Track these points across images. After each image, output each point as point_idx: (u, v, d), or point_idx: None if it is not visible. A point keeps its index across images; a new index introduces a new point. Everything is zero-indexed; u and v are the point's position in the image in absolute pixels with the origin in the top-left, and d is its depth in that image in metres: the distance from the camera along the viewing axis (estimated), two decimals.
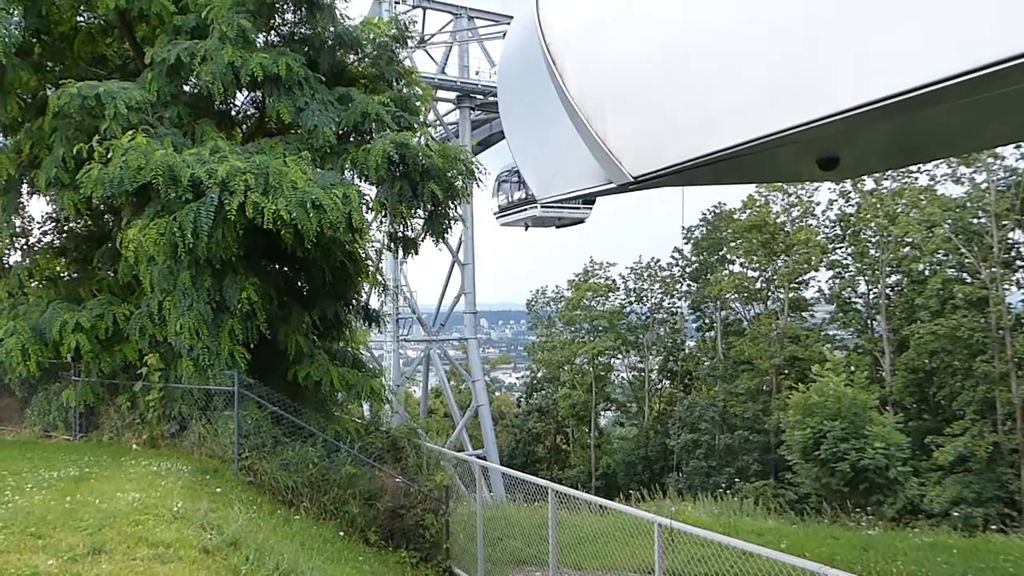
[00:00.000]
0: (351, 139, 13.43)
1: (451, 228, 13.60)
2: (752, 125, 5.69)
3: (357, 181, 12.77)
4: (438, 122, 36.10)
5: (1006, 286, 41.72)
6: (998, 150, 41.15)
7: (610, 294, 55.62)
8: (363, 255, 14.81)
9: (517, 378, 75.84)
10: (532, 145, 9.39)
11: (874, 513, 25.47)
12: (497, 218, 34.69)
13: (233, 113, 14.96)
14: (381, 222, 13.43)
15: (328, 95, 13.01)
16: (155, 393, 12.12)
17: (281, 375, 12.80)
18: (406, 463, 12.29)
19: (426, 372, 38.19)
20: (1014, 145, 40.37)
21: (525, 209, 30.83)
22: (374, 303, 17.86)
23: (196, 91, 13.58)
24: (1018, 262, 43.01)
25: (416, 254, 14.18)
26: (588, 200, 29.97)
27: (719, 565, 11.16)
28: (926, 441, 39.66)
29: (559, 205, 28.95)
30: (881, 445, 26.97)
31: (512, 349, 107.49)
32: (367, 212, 12.46)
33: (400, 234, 13.46)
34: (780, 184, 48.97)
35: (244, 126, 15.06)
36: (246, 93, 14.11)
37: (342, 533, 10.24)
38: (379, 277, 16.14)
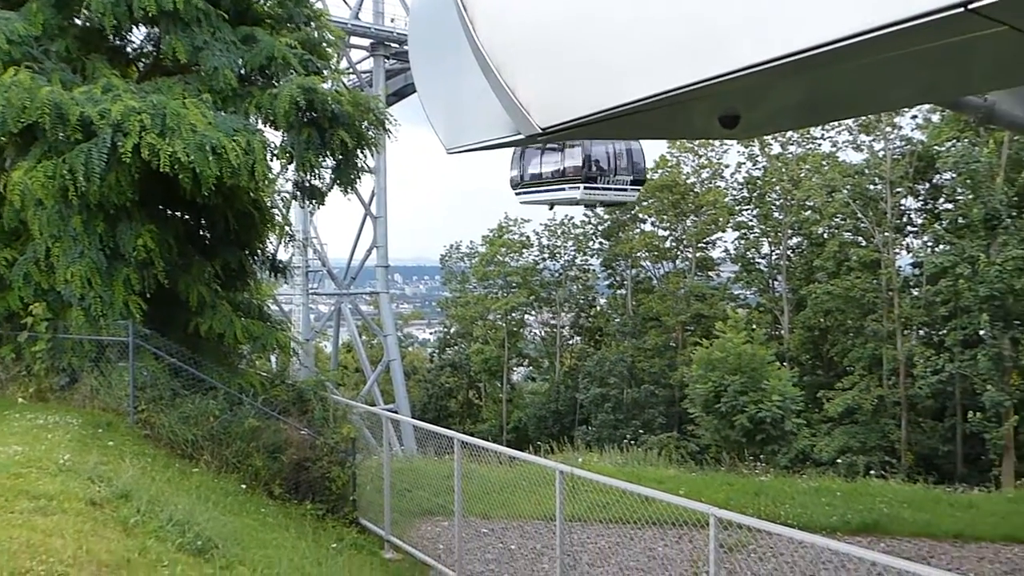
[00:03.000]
0: (256, 82, 12.91)
1: (360, 178, 13.32)
2: (656, 80, 5.73)
3: (262, 126, 12.31)
4: (351, 70, 35.08)
5: (897, 250, 44.05)
6: (896, 119, 43.05)
7: (524, 250, 55.98)
8: (269, 204, 14.37)
9: (431, 334, 75.79)
10: (442, 95, 9.25)
11: (769, 462, 26.82)
12: (518, 194, 28.03)
13: (128, 50, 14.13)
14: (287, 169, 13.02)
15: (231, 34, 12.42)
16: (42, 344, 11.53)
17: (182, 327, 12.38)
18: (312, 416, 12.15)
19: (337, 326, 37.69)
20: (910, 116, 42.34)
21: (563, 188, 24.39)
22: (283, 255, 17.45)
23: (87, 24, 12.75)
24: (909, 227, 45.39)
25: (323, 204, 13.86)
26: (638, 180, 24.52)
27: (621, 511, 11.58)
28: (818, 395, 41.82)
29: (605, 187, 24.31)
30: (777, 398, 28.28)
31: (426, 305, 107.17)
32: (272, 159, 12.06)
33: (307, 183, 13.10)
34: (691, 146, 50.06)
35: (140, 64, 14.26)
36: (143, 29, 13.34)
37: (244, 486, 10.09)
38: (287, 227, 15.73)
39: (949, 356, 37.61)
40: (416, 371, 57.97)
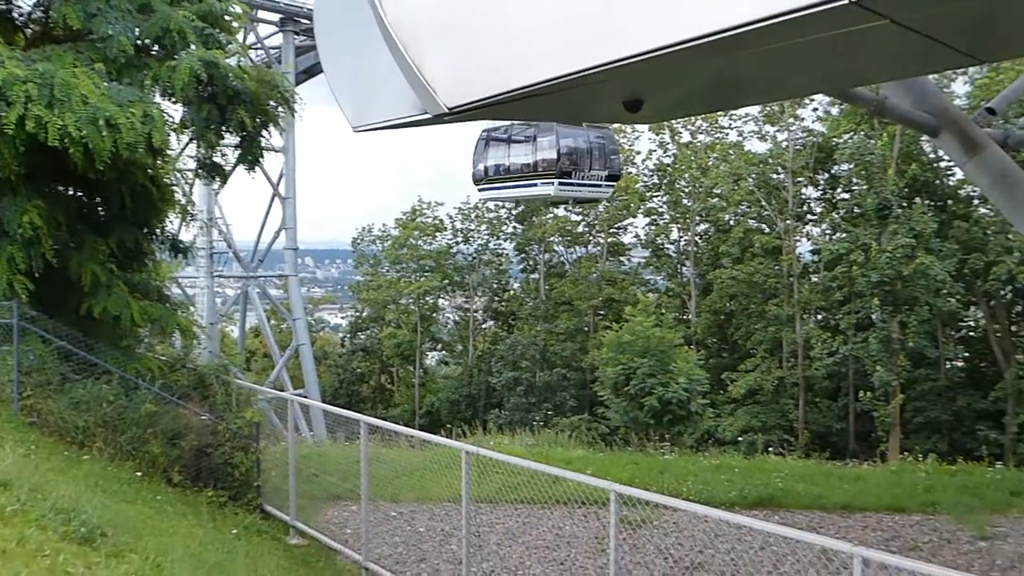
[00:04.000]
0: (153, 53, 12.34)
1: (264, 157, 12.93)
2: (561, 62, 5.77)
3: (160, 100, 11.79)
4: (258, 45, 33.98)
5: (797, 237, 45.87)
6: (798, 111, 44.73)
7: (437, 234, 55.61)
8: (169, 181, 13.79)
9: (342, 318, 74.61)
10: (348, 71, 9.07)
11: (675, 442, 27.62)
12: (481, 190, 25.70)
13: (15, 15, 13.29)
14: (188, 146, 12.53)
15: (127, 2, 11.82)
16: None
17: (74, 308, 11.78)
18: (214, 400, 11.80)
19: (243, 310, 36.63)
20: (812, 108, 44.05)
21: (535, 184, 22.04)
22: (186, 236, 16.80)
23: None
24: (809, 216, 47.32)
25: (225, 182, 13.41)
26: (612, 176, 22.36)
27: (530, 491, 11.71)
28: (723, 377, 43.27)
29: (580, 183, 22.18)
30: (684, 380, 29.19)
31: (338, 288, 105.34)
32: (171, 134, 11.57)
33: (209, 160, 12.63)
34: None
35: (28, 31, 13.43)
36: None
37: (140, 474, 9.72)
38: (188, 206, 15.13)
39: (843, 339, 39.51)
40: (327, 356, 57.01)
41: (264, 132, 12.29)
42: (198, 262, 31.00)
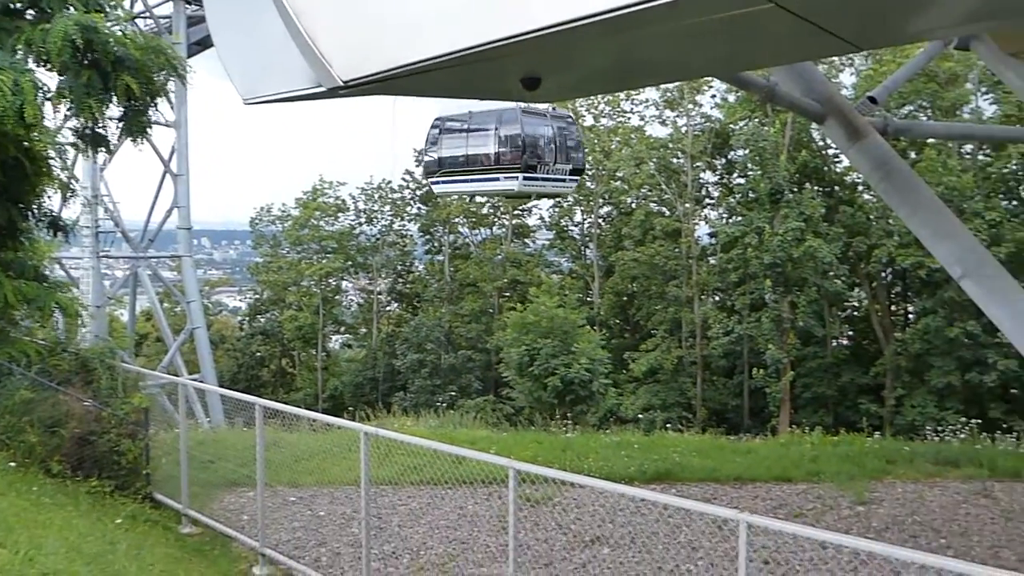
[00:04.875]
0: (28, 17, 11.52)
1: (151, 128, 12.29)
2: (458, 36, 5.67)
3: (34, 66, 11.00)
4: (147, 14, 32.25)
5: (696, 220, 47.28)
6: (697, 97, 45.96)
7: (340, 214, 54.51)
8: (46, 154, 12.92)
9: (241, 300, 72.33)
10: (238, 41, 8.69)
11: (578, 421, 28.09)
12: (433, 184, 23.17)
13: None
14: (67, 116, 11.74)
15: None
16: None
17: None
18: (99, 386, 11.19)
19: (133, 292, 34.88)
20: (710, 95, 45.34)
21: (497, 179, 19.96)
22: (69, 214, 15.81)
23: None
24: (707, 199, 48.81)
25: (110, 155, 12.70)
26: (577, 170, 20.48)
27: (433, 472, 11.67)
28: (625, 356, 44.28)
29: (545, 178, 19.80)
30: (586, 360, 29.63)
31: (236, 270, 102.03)
32: (46, 103, 10.82)
33: (90, 131, 11.88)
34: None
35: None
36: None
37: (14, 464, 9.15)
38: (70, 182, 14.21)
39: (738, 319, 41.06)
40: (225, 340, 55.18)
41: (152, 102, 11.65)
42: (83, 241, 29.33)
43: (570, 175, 20.70)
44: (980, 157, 39.75)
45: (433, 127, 21.76)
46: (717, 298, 46.26)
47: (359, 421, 15.96)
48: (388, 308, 56.82)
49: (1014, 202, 40.06)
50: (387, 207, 54.82)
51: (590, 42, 5.91)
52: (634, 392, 42.14)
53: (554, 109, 19.93)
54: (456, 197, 50.69)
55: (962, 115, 38.98)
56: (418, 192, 53.92)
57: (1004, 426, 24.39)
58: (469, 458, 8.68)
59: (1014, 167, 38.52)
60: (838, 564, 9.17)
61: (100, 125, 11.68)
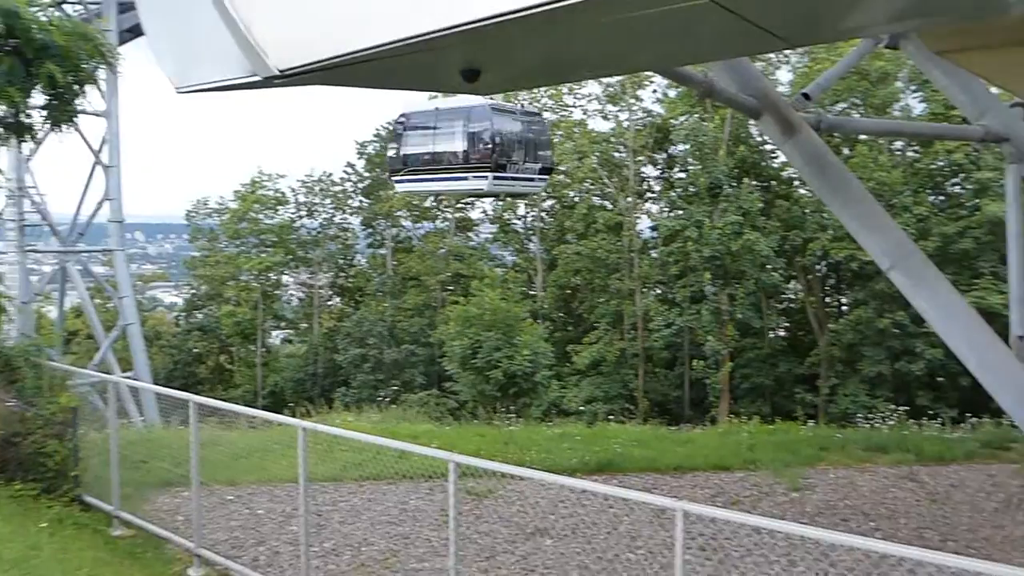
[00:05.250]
0: None
1: (78, 116, 11.83)
2: (394, 27, 5.61)
3: None
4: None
5: (637, 214, 47.79)
6: (638, 92, 46.41)
7: (279, 207, 53.50)
8: None
9: (177, 296, 70.52)
10: (170, 29, 8.45)
11: (522, 414, 28.22)
12: (398, 183, 22.07)
13: None
14: None
15: None
16: None
17: None
18: (23, 385, 10.78)
19: (62, 287, 33.69)
20: (651, 89, 45.85)
21: (465, 178, 19.07)
22: None
23: None
24: (648, 193, 49.39)
25: (35, 144, 12.19)
26: (546, 169, 19.50)
27: (376, 468, 11.59)
28: (568, 349, 44.58)
29: (515, 177, 18.96)
30: (529, 353, 29.81)
31: (173, 265, 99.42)
32: None
33: (12, 120, 11.39)
34: None
35: None
36: None
37: None
38: None
39: (679, 311, 41.66)
40: (160, 336, 53.69)
41: (80, 91, 11.23)
42: (7, 235, 28.20)
43: (539, 174, 19.66)
44: (909, 154, 41.10)
45: (397, 123, 20.83)
46: (658, 291, 46.85)
47: (299, 417, 15.74)
48: (329, 303, 56.07)
49: (941, 197, 41.59)
50: (328, 200, 54.05)
51: (528, 34, 5.91)
52: (577, 384, 42.43)
53: (522, 105, 19.29)
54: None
55: (893, 113, 40.24)
56: (360, 185, 53.29)
57: (930, 413, 25.32)
58: (410, 452, 8.64)
59: (941, 164, 39.92)
60: (772, 549, 9.42)
61: (23, 114, 11.22)
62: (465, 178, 18.94)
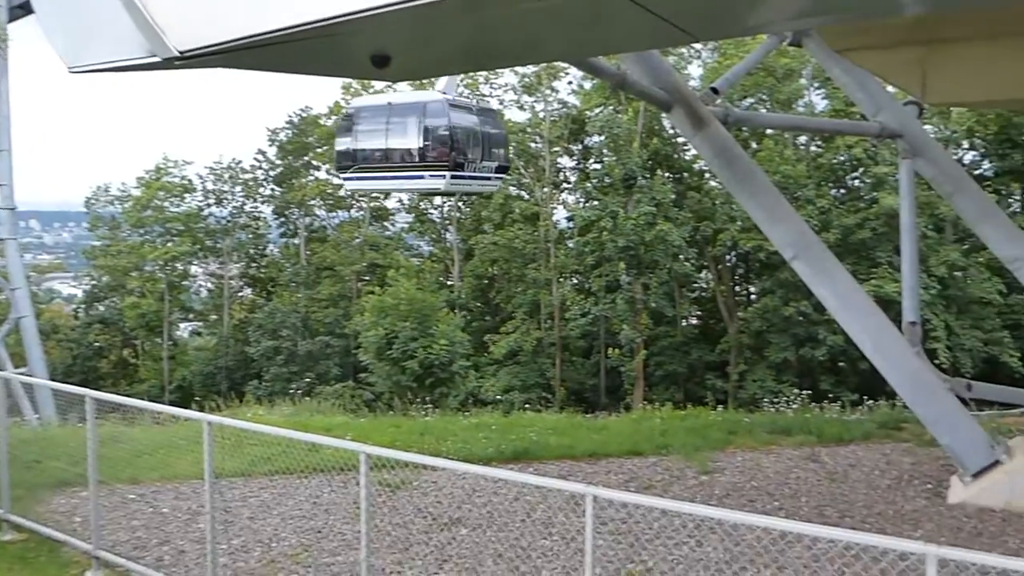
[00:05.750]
0: None
1: None
2: (301, 9, 5.46)
3: None
4: None
5: (554, 204, 48.20)
6: (554, 83, 46.75)
7: (186, 195, 51.61)
8: None
9: (77, 287, 67.30)
10: (63, 4, 7.99)
11: (440, 404, 28.12)
12: (346, 180, 20.79)
13: None
14: None
15: None
16: None
17: None
18: None
19: None
20: (567, 81, 46.25)
21: (422, 176, 17.97)
22: None
23: None
24: (564, 184, 49.85)
25: None
26: (502, 168, 18.42)
27: (287, 461, 11.33)
28: (486, 339, 44.67)
29: (472, 176, 17.91)
30: (446, 342, 29.74)
31: (71, 255, 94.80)
32: None
33: None
34: (365, 93, 49.74)
35: None
36: None
37: None
38: None
39: (595, 300, 42.28)
40: (58, 330, 51.10)
41: None
42: None
43: (495, 173, 18.83)
44: (813, 148, 42.77)
45: (346, 116, 19.52)
46: (575, 280, 47.40)
47: (209, 412, 15.28)
48: (240, 293, 54.54)
49: (842, 190, 43.52)
50: (238, 188, 52.46)
51: (441, 21, 5.85)
52: (495, 374, 42.58)
53: (477, 102, 18.66)
54: (310, 176, 49.27)
55: (797, 108, 41.77)
56: (271, 173, 51.94)
57: (832, 396, 26.50)
58: (323, 445, 8.50)
59: (842, 158, 41.71)
60: (682, 531, 9.67)
61: None
62: (421, 176, 18.03)
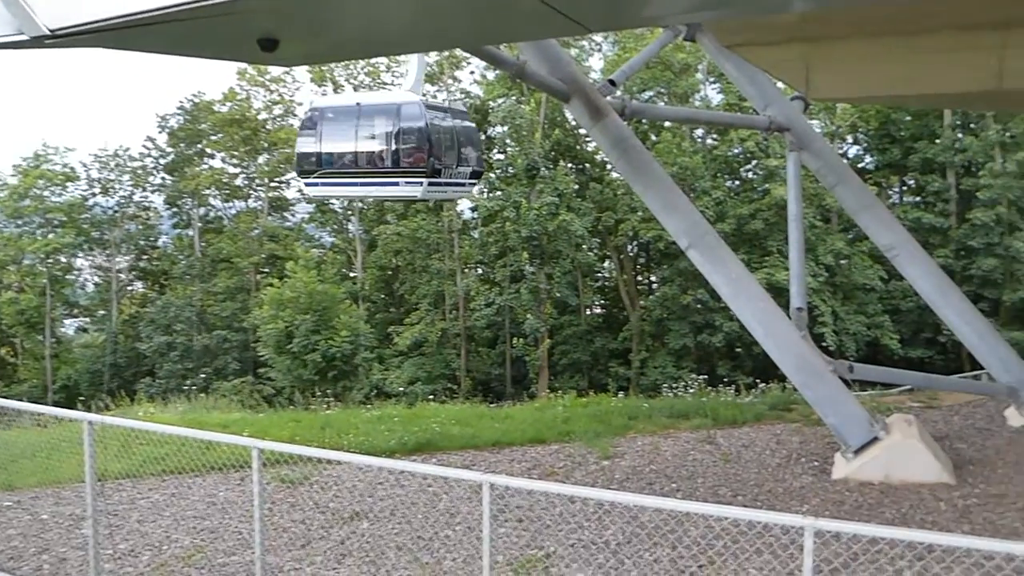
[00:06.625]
0: None
1: None
2: None
3: None
4: None
5: None
6: (456, 73, 46.55)
7: (69, 184, 48.80)
8: None
9: None
10: None
11: (343, 398, 27.72)
12: (308, 186, 18.42)
13: None
14: None
15: None
16: None
17: None
18: None
19: None
20: (469, 70, 46.11)
21: (396, 183, 16.49)
22: None
23: None
24: None
25: None
26: (476, 173, 17.19)
27: (180, 461, 10.93)
28: (390, 330, 44.25)
29: (448, 182, 16.48)
30: (348, 335, 29.26)
31: None
32: None
33: None
34: (262, 80, 48.36)
35: None
36: None
37: None
38: None
39: (499, 290, 42.48)
40: None
41: None
42: None
43: (469, 178, 17.67)
44: (709, 141, 44.17)
45: (309, 115, 18.01)
46: (479, 270, 47.48)
47: (96, 412, 14.58)
48: (130, 287, 52.10)
49: (736, 182, 45.16)
50: (126, 176, 49.98)
51: (329, 4, 5.70)
52: (399, 366, 42.26)
53: (449, 103, 17.63)
54: (204, 164, 47.36)
55: (693, 102, 43.03)
56: (162, 161, 49.74)
57: (727, 380, 27.52)
58: (218, 442, 8.23)
59: (736, 151, 43.26)
60: (585, 515, 9.84)
61: None
62: (396, 183, 16.65)
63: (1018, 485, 11.41)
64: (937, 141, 42.34)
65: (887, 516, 10.42)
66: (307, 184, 18.09)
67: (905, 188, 47.06)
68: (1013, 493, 11.10)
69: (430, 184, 15.84)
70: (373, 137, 16.57)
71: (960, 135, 42.19)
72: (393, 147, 16.06)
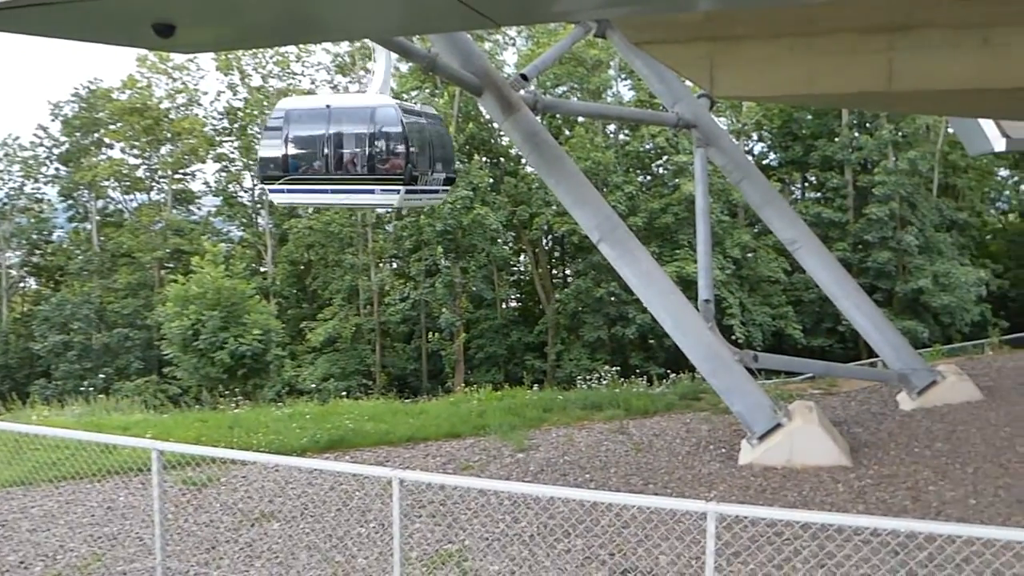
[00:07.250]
0: None
1: None
2: None
3: None
4: None
5: None
6: (368, 64, 45.81)
7: None
8: None
9: None
10: None
11: (254, 396, 26.99)
12: (273, 192, 17.53)
13: None
14: None
15: None
16: None
17: None
18: None
19: None
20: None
21: (372, 191, 15.53)
22: None
23: None
24: None
25: None
26: (449, 179, 16.40)
27: (76, 465, 10.45)
28: (302, 326, 43.37)
29: (423, 189, 15.63)
30: (258, 332, 28.50)
31: None
32: None
33: None
34: (164, 67, 46.56)
35: None
36: None
37: None
38: None
39: (414, 284, 42.23)
40: None
41: None
42: None
43: (443, 184, 16.93)
44: (621, 137, 44.94)
45: (274, 119, 16.96)
46: (394, 265, 47.05)
47: None
48: (22, 284, 49.39)
49: (648, 177, 46.13)
50: (15, 167, 47.28)
51: None
52: (312, 363, 41.54)
53: (423, 106, 16.71)
54: (102, 154, 45.31)
55: (606, 98, 43.69)
56: (55, 151, 47.27)
57: (640, 371, 28.11)
58: (117, 445, 7.89)
59: (648, 147, 44.16)
60: (499, 508, 9.88)
61: None
62: (371, 191, 15.83)
63: (907, 466, 12.06)
64: (836, 140, 44.36)
65: (789, 499, 10.84)
66: (272, 191, 17.34)
67: (807, 184, 49.09)
68: (903, 473, 11.72)
69: (407, 192, 15.27)
70: (346, 143, 15.86)
71: (856, 134, 44.28)
72: (367, 152, 15.47)
